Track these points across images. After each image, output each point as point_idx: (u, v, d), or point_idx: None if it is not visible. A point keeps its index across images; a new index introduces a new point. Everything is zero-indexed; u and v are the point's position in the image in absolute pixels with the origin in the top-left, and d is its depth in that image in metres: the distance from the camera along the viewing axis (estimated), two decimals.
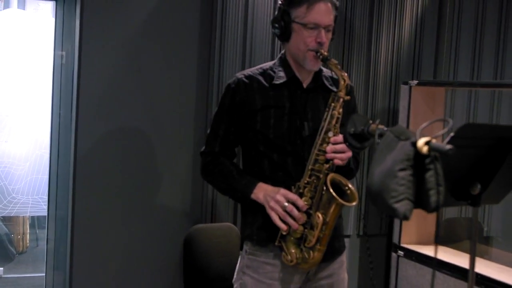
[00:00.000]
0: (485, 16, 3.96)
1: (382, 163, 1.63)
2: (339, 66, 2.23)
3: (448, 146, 1.44)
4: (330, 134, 2.21)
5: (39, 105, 4.93)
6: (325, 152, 2.20)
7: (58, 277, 3.57)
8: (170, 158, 3.40)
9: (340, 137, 2.20)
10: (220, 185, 2.42)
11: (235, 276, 2.41)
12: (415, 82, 3.47)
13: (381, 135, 1.76)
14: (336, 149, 2.20)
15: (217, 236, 3.25)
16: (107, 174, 3.29)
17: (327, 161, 2.21)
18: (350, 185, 2.23)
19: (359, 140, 1.99)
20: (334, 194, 2.15)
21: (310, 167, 2.23)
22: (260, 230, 2.32)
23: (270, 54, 3.44)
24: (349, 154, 2.22)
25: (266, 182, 2.30)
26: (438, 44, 3.91)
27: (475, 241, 2.10)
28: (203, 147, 2.44)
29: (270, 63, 2.41)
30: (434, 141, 1.50)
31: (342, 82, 2.21)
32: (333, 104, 2.22)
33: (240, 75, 2.37)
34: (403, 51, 3.81)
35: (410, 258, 3.44)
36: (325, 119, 2.22)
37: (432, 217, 3.64)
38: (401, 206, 1.54)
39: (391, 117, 3.81)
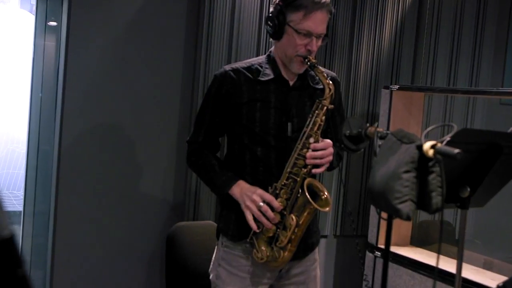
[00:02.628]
0: (462, 24, 4.07)
1: (385, 165, 1.69)
2: (325, 74, 2.26)
3: (456, 150, 1.50)
4: (311, 140, 2.26)
5: (10, 101, 4.87)
6: (304, 157, 2.26)
7: (36, 273, 3.55)
8: (153, 155, 3.41)
9: (320, 144, 2.26)
10: (203, 177, 2.51)
11: (211, 266, 2.48)
12: (396, 86, 3.55)
13: (382, 138, 1.82)
14: (316, 155, 2.26)
15: (199, 234, 3.27)
16: (91, 170, 3.29)
17: (305, 166, 2.27)
18: (325, 191, 2.31)
19: (354, 142, 2.05)
20: (309, 198, 2.23)
21: (288, 169, 2.28)
22: (234, 225, 2.39)
23: (255, 51, 3.48)
24: (328, 159, 2.29)
25: (245, 176, 2.36)
26: (416, 50, 4.00)
27: (463, 243, 2.16)
28: (189, 137, 2.50)
29: (258, 59, 2.44)
30: (440, 145, 1.56)
31: (327, 91, 2.25)
32: (316, 112, 2.26)
33: (228, 67, 2.40)
34: (383, 56, 3.89)
35: (387, 259, 3.51)
36: (308, 125, 2.27)
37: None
38: (405, 207, 1.60)
39: (370, 121, 3.89)
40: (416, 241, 3.71)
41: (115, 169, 3.34)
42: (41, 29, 3.67)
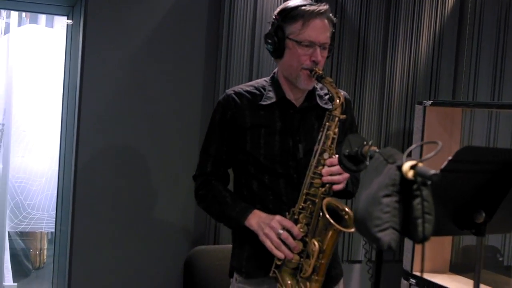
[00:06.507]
0: (507, 34, 3.80)
1: (369, 188, 1.50)
2: (333, 84, 2.11)
3: (433, 171, 1.30)
4: (326, 155, 2.08)
5: (55, 121, 4.91)
6: (320, 175, 2.08)
7: None
8: (173, 177, 3.30)
9: (336, 159, 2.06)
10: (214, 212, 2.31)
11: None
12: (430, 102, 3.32)
13: (371, 157, 1.63)
14: (332, 171, 2.07)
15: (219, 258, 3.13)
16: (107, 191, 3.20)
17: (323, 184, 2.08)
18: (347, 209, 2.10)
19: (354, 162, 1.86)
20: (330, 220, 2.03)
21: (305, 191, 2.11)
22: (248, 261, 2.22)
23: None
24: (346, 176, 2.09)
25: (255, 204, 2.19)
26: (457, 63, 3.75)
27: (479, 272, 1.94)
28: (196, 171, 2.34)
29: (263, 81, 2.30)
30: (421, 165, 1.37)
31: (337, 101, 2.10)
32: (328, 124, 2.10)
33: (230, 91, 2.28)
34: (420, 70, 3.66)
35: (423, 287, 3.27)
36: (320, 139, 2.10)
37: (448, 244, 3.47)
38: (385, 236, 1.40)
39: (407, 139, 3.66)
40: (457, 268, 3.44)
41: (132, 192, 3.24)
42: (69, 51, 3.66)
